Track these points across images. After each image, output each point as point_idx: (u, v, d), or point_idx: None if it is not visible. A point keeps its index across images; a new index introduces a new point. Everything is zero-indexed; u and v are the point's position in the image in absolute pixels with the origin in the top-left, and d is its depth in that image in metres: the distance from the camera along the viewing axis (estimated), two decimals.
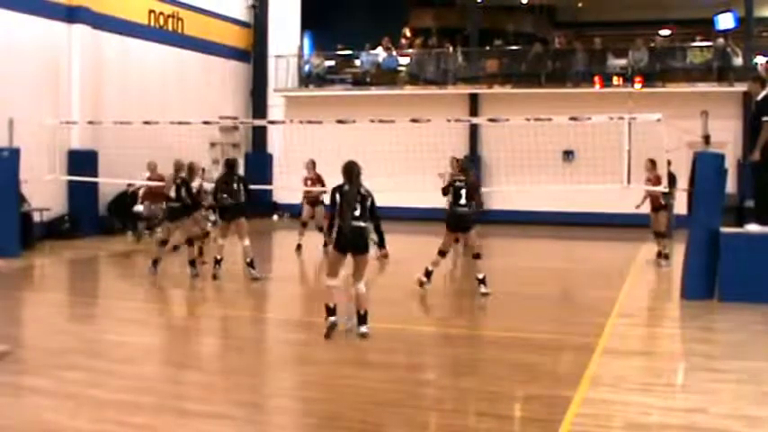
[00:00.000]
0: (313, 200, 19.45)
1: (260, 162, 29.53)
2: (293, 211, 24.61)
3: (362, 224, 10.25)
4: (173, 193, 15.58)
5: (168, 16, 26.14)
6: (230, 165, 15.65)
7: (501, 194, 26.85)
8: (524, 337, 10.97)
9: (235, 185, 15.17)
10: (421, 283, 13.76)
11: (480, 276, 13.67)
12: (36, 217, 20.07)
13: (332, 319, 10.39)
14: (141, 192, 21.14)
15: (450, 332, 11.42)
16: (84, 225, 21.53)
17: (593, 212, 25.36)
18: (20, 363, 9.58)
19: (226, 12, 29.18)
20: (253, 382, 8.91)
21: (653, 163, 16.89)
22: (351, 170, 10.39)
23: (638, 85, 25.42)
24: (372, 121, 18.02)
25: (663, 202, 17.09)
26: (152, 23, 25.43)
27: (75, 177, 20.40)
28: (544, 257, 15.99)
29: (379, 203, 11.27)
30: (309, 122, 19.36)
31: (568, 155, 25.95)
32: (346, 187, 10.31)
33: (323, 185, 18.70)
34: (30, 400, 7.93)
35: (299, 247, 18.89)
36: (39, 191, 19.62)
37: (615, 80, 26.43)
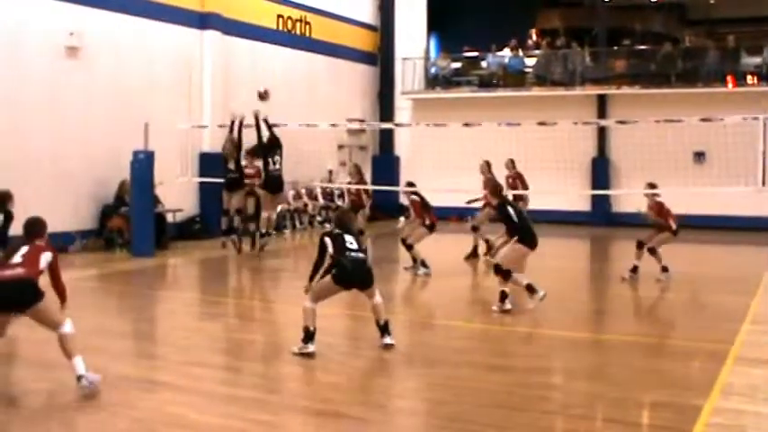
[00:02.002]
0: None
1: (387, 164, 29.71)
2: None
3: (362, 256, 9.77)
4: (232, 165, 16.58)
5: (296, 20, 26.55)
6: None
7: (630, 197, 26.38)
8: (653, 343, 10.76)
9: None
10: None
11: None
12: (169, 218, 20.67)
13: (310, 348, 9.51)
14: None
15: (577, 336, 11.27)
16: (213, 226, 22.03)
17: (726, 215, 24.70)
18: (152, 358, 9.90)
19: (353, 15, 29.49)
20: (377, 383, 8.99)
21: None
22: (344, 221, 10.25)
23: None
24: (499, 125, 17.93)
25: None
26: (280, 28, 25.88)
27: (206, 179, 20.89)
28: (673, 261, 15.63)
29: None
30: (435, 125, 19.39)
31: (699, 156, 25.30)
32: (337, 231, 9.98)
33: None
34: (160, 394, 8.17)
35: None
36: (171, 192, 20.18)
37: (749, 79, 25.68)
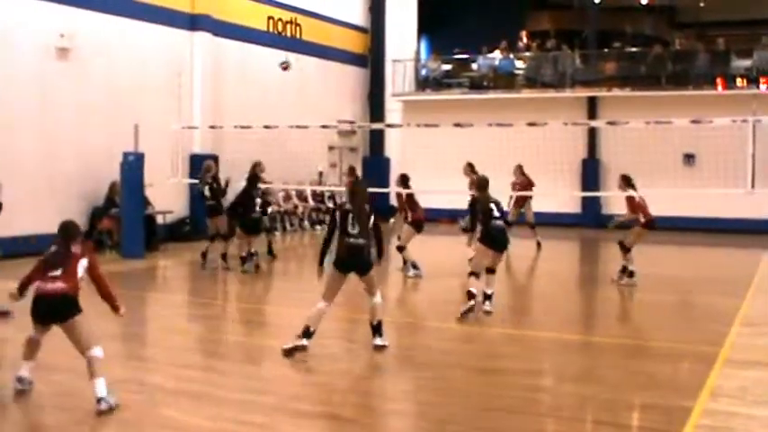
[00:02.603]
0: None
1: (377, 166, 29.71)
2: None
3: (361, 241, 9.78)
4: (207, 192, 16.91)
5: (287, 22, 26.55)
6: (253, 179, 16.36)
7: (619, 199, 26.43)
8: (642, 345, 10.78)
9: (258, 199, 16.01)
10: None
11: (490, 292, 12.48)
12: (159, 219, 20.65)
13: (304, 342, 9.61)
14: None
15: (567, 338, 11.29)
16: (204, 228, 21.97)
17: (715, 217, 24.78)
18: (142, 360, 9.88)
19: (343, 17, 29.49)
20: (368, 385, 8.99)
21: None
22: (356, 188, 10.29)
23: (763, 87, 24.72)
24: (490, 125, 17.95)
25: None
26: (271, 29, 25.87)
27: (197, 181, 20.85)
28: (663, 263, 15.71)
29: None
30: (426, 126, 19.41)
31: (689, 158, 25.40)
32: (347, 207, 9.99)
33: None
34: (151, 396, 8.16)
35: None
36: (161, 194, 20.15)
37: (739, 81, 25.77)
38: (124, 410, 7.56)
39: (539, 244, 20.53)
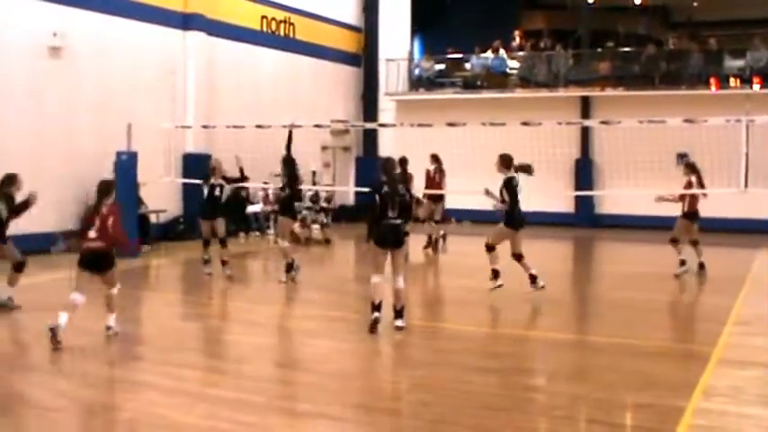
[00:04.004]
0: None
1: (370, 166, 29.64)
2: None
3: (398, 221, 10.91)
4: (206, 191, 16.34)
5: (280, 22, 26.53)
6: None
7: (613, 198, 26.45)
8: (636, 344, 10.77)
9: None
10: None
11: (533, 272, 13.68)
12: (152, 218, 20.61)
13: (376, 314, 10.89)
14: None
15: (561, 338, 11.29)
16: (197, 227, 21.92)
17: (709, 217, 24.71)
18: (137, 359, 9.86)
19: (337, 16, 29.47)
20: (362, 384, 8.97)
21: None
22: (388, 168, 11.15)
23: (756, 86, 24.73)
24: (483, 125, 17.93)
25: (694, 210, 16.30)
26: (264, 29, 25.85)
27: (190, 180, 20.82)
28: (656, 263, 15.71)
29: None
30: (420, 125, 19.38)
31: (682, 158, 25.38)
32: (386, 188, 10.93)
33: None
34: (146, 395, 8.16)
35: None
36: (155, 193, 20.12)
37: (732, 81, 25.78)
38: (119, 410, 7.56)
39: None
